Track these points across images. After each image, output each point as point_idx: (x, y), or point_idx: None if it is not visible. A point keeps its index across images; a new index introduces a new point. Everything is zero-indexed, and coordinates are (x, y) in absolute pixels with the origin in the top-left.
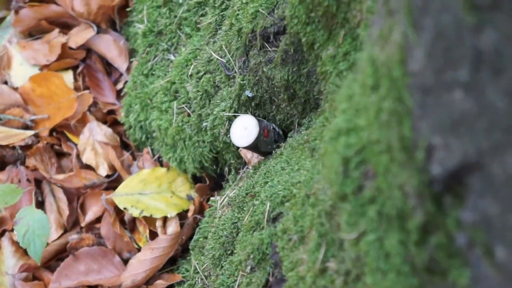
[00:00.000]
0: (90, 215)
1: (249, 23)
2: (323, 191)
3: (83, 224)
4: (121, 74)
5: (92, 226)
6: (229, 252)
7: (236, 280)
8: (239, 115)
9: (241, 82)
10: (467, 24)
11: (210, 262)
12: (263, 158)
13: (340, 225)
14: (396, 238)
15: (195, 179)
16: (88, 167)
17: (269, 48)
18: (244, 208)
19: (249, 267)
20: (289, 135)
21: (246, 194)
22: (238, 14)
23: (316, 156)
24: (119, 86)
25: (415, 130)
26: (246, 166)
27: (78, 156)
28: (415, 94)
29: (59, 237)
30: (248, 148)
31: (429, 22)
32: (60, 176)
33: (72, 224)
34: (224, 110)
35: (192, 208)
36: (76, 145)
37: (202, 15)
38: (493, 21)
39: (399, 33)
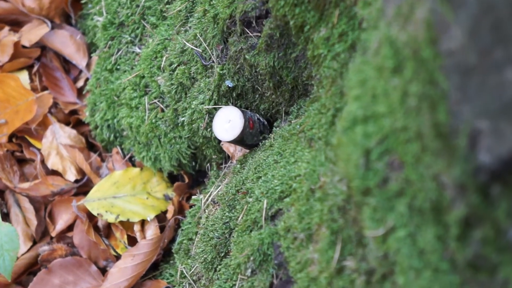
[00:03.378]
0: (60, 224)
1: (226, 8)
2: (333, 185)
3: (53, 234)
4: (80, 71)
5: (63, 236)
6: (222, 254)
7: (235, 285)
8: (220, 107)
9: (220, 71)
10: None
11: (202, 266)
12: (247, 151)
13: (358, 220)
14: (432, 233)
15: (171, 178)
16: (54, 172)
17: (251, 34)
18: (237, 207)
19: (249, 270)
20: (275, 124)
21: (237, 191)
22: (211, 0)
23: (316, 147)
24: (80, 84)
25: (452, 115)
26: (230, 161)
27: (42, 162)
28: (452, 75)
29: (28, 250)
30: (233, 142)
31: None
32: (25, 185)
33: (41, 234)
34: (203, 103)
35: (171, 208)
36: (39, 150)
37: (168, 3)
38: None
39: (425, 10)
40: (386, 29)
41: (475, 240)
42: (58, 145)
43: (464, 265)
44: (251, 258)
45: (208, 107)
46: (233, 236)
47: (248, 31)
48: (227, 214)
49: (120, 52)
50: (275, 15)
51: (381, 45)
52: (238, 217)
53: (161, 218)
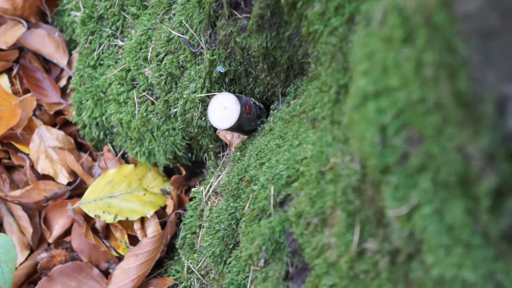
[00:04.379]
0: (57, 229)
1: None
2: (345, 165)
3: (50, 240)
4: (62, 70)
5: (61, 241)
6: (231, 246)
7: (248, 277)
8: (214, 94)
9: (211, 57)
10: None
11: (211, 260)
12: (245, 137)
13: (376, 200)
14: (460, 207)
15: (167, 171)
16: (45, 177)
17: (240, 16)
18: (242, 196)
19: (262, 260)
20: (272, 107)
21: (240, 179)
22: None
23: (321, 127)
24: (62, 83)
25: (475, 82)
26: (228, 149)
27: (32, 167)
28: (472, 40)
29: (26, 259)
30: (230, 129)
31: None
32: (17, 192)
33: (38, 242)
34: (195, 92)
35: (170, 203)
36: (27, 155)
37: None
38: None
39: None
40: None
41: (509, 211)
42: (46, 148)
43: (498, 238)
44: (263, 248)
45: (201, 95)
46: (240, 227)
47: (236, 13)
48: (232, 204)
49: (102, 46)
50: None
51: (387, 14)
52: (244, 206)
53: (160, 214)
